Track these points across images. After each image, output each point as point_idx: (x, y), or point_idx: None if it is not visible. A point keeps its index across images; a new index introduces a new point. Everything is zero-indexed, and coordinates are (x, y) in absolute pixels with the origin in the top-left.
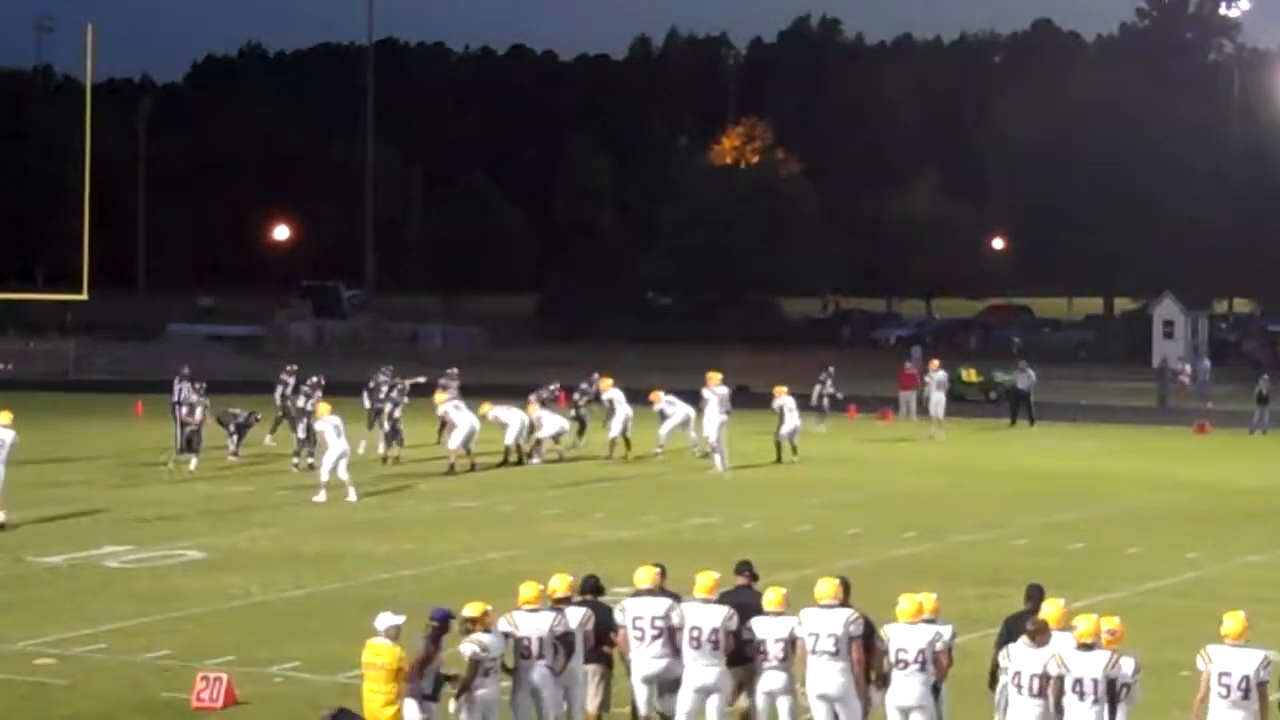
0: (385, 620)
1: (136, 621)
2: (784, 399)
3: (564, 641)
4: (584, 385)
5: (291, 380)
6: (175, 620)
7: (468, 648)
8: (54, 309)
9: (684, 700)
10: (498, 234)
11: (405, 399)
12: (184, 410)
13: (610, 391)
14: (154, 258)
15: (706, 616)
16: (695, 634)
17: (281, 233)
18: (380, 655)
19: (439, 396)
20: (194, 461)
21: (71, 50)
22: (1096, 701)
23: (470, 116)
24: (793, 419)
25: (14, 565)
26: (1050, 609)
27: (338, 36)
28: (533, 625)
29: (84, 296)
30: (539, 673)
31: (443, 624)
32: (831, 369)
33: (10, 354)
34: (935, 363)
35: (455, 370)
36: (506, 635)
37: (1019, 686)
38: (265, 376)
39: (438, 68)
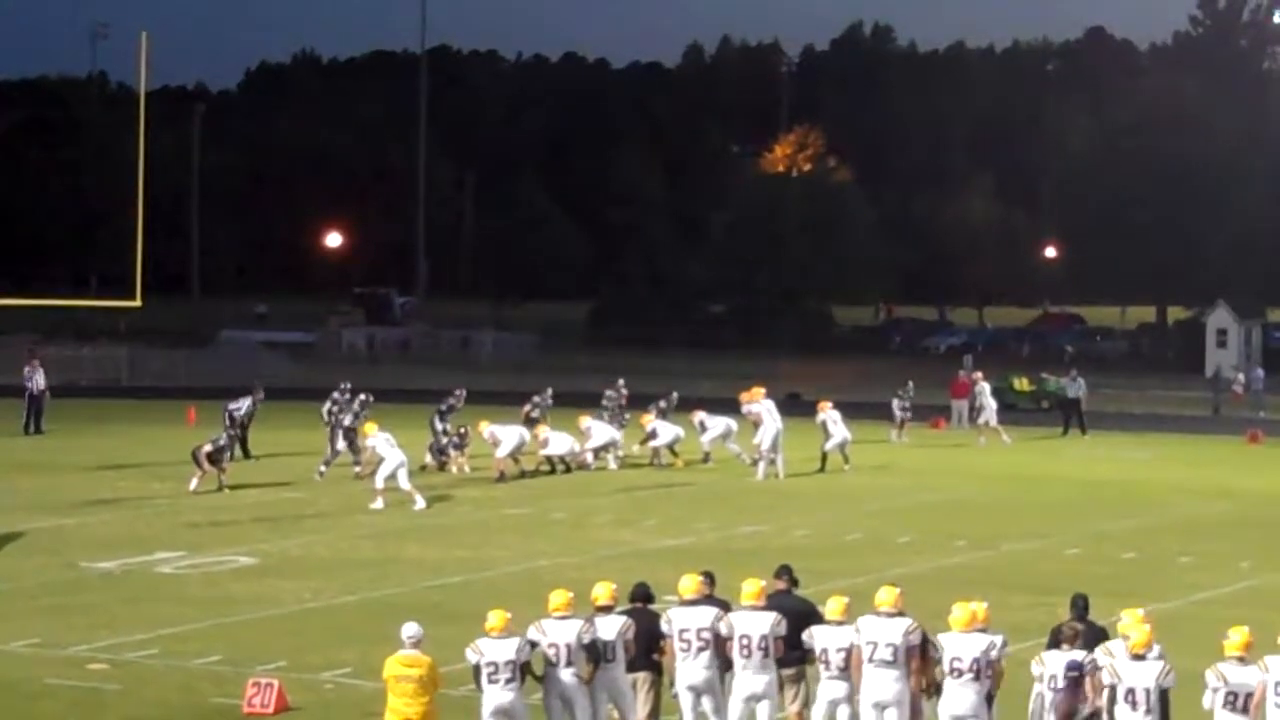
0: (412, 629)
1: (188, 627)
2: (827, 413)
3: (591, 650)
4: (661, 403)
5: (343, 397)
6: (227, 626)
7: (468, 652)
8: (107, 315)
9: (734, 708)
10: (550, 241)
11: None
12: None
13: (653, 423)
14: (207, 264)
15: (755, 624)
16: (745, 641)
17: (334, 239)
18: (415, 666)
19: (539, 429)
20: (194, 482)
21: (126, 57)
22: (1149, 711)
23: (523, 123)
24: (839, 431)
25: (67, 570)
26: (1129, 619)
27: (391, 44)
28: (560, 632)
29: (137, 303)
30: (567, 680)
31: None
32: (911, 384)
33: (64, 360)
34: (978, 375)
35: (550, 390)
36: (534, 643)
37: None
38: (318, 383)
39: (490, 75)
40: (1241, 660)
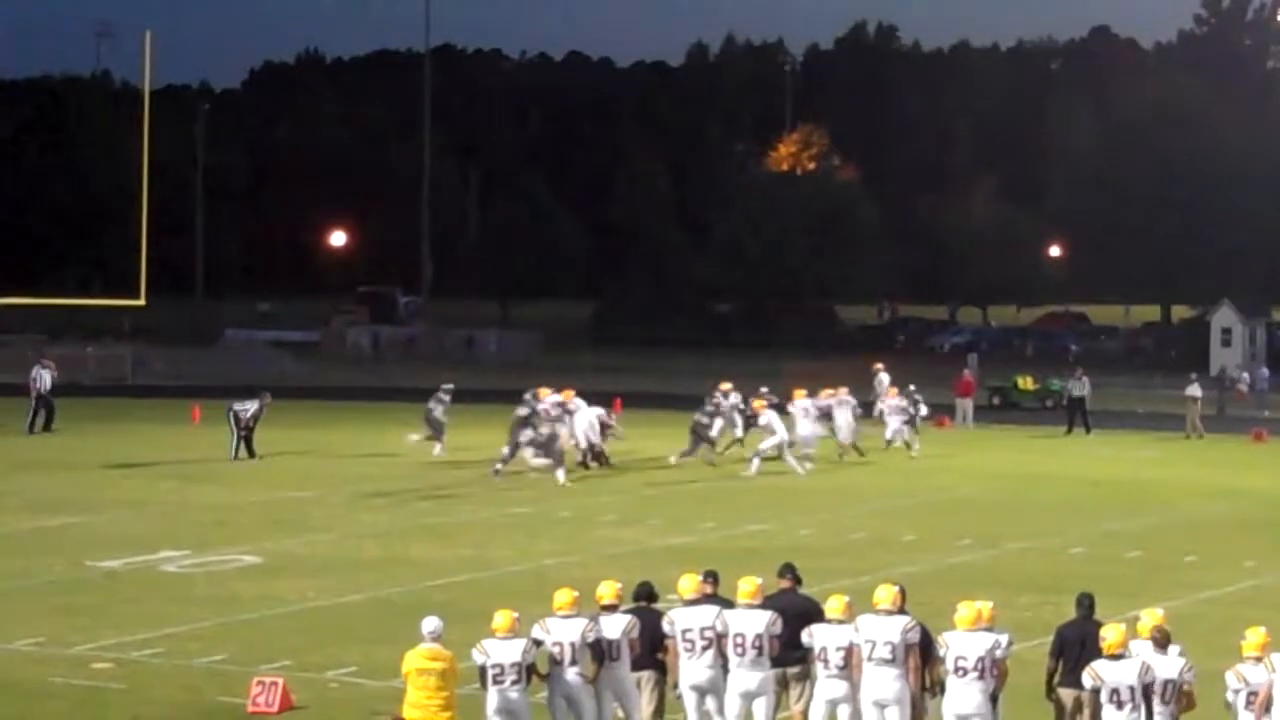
0: (433, 624)
1: (193, 626)
2: (839, 397)
3: (595, 649)
4: (717, 402)
5: (447, 398)
6: (232, 625)
7: (474, 653)
8: (112, 315)
9: (730, 706)
10: (554, 240)
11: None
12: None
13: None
14: (211, 263)
15: (750, 622)
16: (739, 640)
17: (338, 238)
18: (436, 660)
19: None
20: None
21: (130, 57)
22: (1135, 709)
23: (527, 122)
24: (845, 425)
25: (72, 569)
26: (1147, 619)
27: (395, 43)
28: (565, 631)
29: (142, 302)
30: (571, 679)
31: None
32: (913, 388)
33: (69, 359)
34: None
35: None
36: (538, 642)
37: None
38: (322, 382)
39: (494, 74)
40: (1257, 660)
